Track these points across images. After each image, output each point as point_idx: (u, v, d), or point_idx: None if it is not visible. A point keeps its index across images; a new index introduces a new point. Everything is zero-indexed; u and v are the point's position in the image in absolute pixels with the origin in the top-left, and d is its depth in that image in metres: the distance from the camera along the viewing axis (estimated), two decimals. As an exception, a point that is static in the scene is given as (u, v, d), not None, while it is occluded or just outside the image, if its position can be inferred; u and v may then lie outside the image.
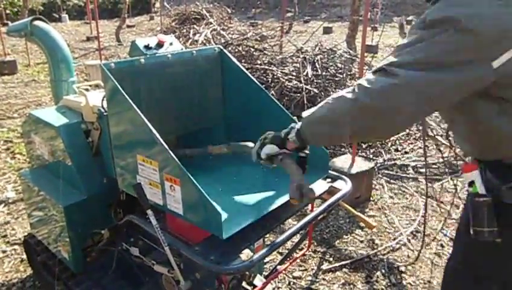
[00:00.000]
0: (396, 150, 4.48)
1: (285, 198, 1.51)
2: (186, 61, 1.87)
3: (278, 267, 2.16)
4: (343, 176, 1.75)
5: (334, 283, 2.49)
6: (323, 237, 2.95)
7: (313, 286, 2.47)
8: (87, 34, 12.73)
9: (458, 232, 1.46)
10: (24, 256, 2.59)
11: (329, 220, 3.14)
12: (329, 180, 1.75)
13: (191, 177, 1.27)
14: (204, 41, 6.62)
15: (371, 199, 3.50)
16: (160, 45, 1.81)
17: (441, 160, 4.04)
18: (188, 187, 1.29)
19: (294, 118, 1.71)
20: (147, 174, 1.44)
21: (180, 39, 7.29)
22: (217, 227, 1.25)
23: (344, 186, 1.70)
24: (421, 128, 4.83)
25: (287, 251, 2.28)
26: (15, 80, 7.59)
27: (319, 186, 1.67)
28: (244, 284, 1.76)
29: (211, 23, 8.01)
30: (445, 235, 2.98)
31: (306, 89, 4.60)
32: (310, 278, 2.54)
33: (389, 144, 4.54)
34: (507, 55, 0.99)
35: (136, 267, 1.85)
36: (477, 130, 1.19)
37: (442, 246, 2.86)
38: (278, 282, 2.49)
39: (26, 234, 2.51)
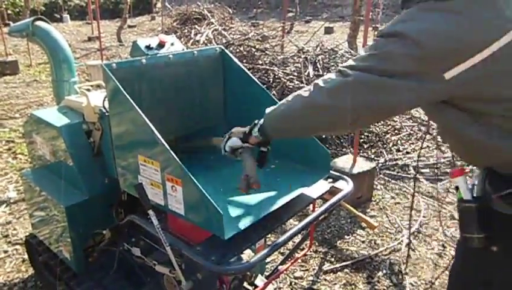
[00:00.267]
0: (398, 150, 4.47)
1: (286, 198, 1.51)
2: (187, 61, 1.87)
3: (280, 267, 2.16)
4: (345, 176, 1.75)
5: (335, 283, 2.49)
6: (324, 237, 2.95)
7: (314, 286, 2.47)
8: (88, 34, 12.77)
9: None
10: (26, 256, 2.59)
11: (330, 220, 3.13)
12: (330, 180, 1.75)
13: (193, 178, 1.27)
14: (205, 41, 6.63)
15: (373, 199, 3.49)
16: (161, 45, 1.81)
17: (442, 160, 4.04)
18: (190, 187, 1.29)
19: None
20: (148, 174, 1.44)
21: (182, 39, 7.30)
22: (219, 227, 1.25)
23: (345, 186, 1.70)
24: (422, 128, 4.83)
25: (288, 251, 2.28)
26: (17, 80, 7.60)
27: (320, 186, 1.67)
28: (245, 284, 1.76)
29: (212, 23, 8.02)
30: (446, 235, 2.97)
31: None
32: (311, 278, 2.54)
33: (391, 144, 4.53)
34: (461, 67, 0.98)
35: (138, 267, 1.85)
36: (456, 138, 1.19)
37: (443, 246, 2.86)
38: (280, 282, 2.49)
39: (27, 234, 2.52)
